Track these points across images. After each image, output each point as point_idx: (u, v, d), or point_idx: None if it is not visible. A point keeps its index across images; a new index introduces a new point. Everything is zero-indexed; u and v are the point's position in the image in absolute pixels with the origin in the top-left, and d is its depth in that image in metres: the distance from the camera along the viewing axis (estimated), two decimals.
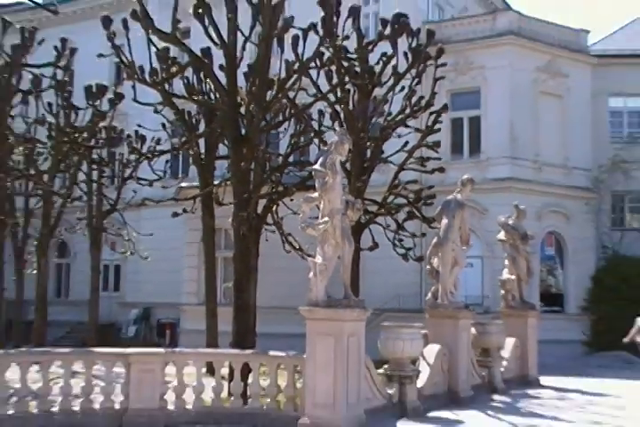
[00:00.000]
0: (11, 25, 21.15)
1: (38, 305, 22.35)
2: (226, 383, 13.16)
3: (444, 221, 16.20)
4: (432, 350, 15.39)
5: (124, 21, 17.87)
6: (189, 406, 12.73)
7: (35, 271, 22.98)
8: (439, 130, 22.00)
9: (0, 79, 20.15)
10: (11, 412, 11.94)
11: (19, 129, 22.09)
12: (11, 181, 21.73)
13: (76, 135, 22.66)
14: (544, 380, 19.65)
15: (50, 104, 22.83)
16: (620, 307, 25.04)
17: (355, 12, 19.56)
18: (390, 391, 13.64)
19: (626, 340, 21.58)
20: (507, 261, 20.14)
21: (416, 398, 14.07)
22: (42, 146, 22.99)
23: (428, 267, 17.04)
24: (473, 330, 17.21)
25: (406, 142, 21.44)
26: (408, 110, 20.57)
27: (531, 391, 18.03)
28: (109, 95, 23.43)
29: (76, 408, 12.38)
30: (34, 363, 12.61)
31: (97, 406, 12.47)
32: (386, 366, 14.15)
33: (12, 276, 22.39)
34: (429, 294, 16.78)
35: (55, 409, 12.28)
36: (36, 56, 20.91)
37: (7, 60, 20.27)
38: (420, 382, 14.48)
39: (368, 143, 20.14)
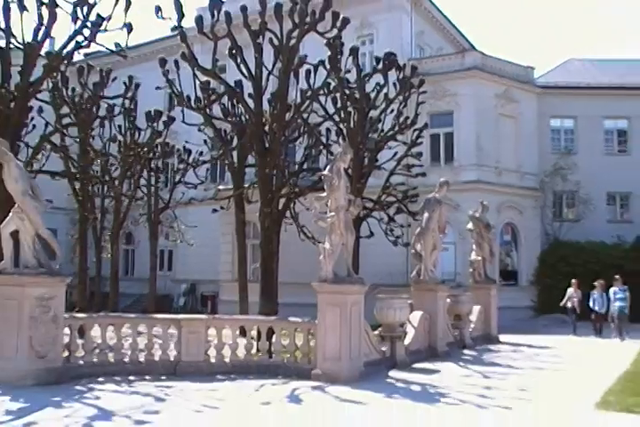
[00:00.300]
0: (92, 68, 21.11)
1: (112, 281, 22.29)
2: (255, 342, 13.05)
3: (426, 214, 16.16)
4: (416, 316, 15.36)
5: (176, 61, 17.93)
6: (227, 360, 12.64)
7: (109, 255, 22.98)
8: (421, 143, 22.06)
9: (84, 109, 20.10)
10: (95, 360, 12.10)
11: (97, 146, 22.04)
12: (91, 185, 21.71)
13: (139, 150, 22.61)
14: (502, 337, 19.61)
15: (119, 126, 22.77)
16: (559, 280, 24.95)
17: (354, 52, 19.47)
18: (384, 348, 13.64)
19: (561, 304, 22.13)
20: (474, 246, 20.10)
21: (404, 353, 14.05)
22: (113, 158, 22.96)
23: (412, 251, 17.01)
24: (448, 300, 17.15)
25: (395, 153, 21.36)
26: (397, 128, 20.50)
27: (492, 347, 18.08)
28: (164, 118, 23.34)
29: (142, 359, 12.40)
30: (110, 324, 12.66)
31: (157, 358, 12.43)
32: (380, 329, 14.15)
33: (92, 258, 22.38)
34: (414, 272, 16.78)
35: (126, 359, 12.34)
36: (110, 90, 20.87)
37: (90, 94, 20.23)
38: (406, 341, 14.47)
39: (365, 154, 20.05)
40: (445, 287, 16.89)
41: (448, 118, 28.09)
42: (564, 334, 21.24)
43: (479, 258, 19.84)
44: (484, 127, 27.56)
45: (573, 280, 21.92)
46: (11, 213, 11.46)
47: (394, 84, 20.45)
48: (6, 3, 15.65)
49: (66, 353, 11.72)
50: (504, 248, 28.28)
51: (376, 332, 13.84)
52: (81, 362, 11.92)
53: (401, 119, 20.56)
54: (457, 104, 27.90)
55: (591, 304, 21.31)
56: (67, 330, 11.81)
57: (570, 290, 21.52)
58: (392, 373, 12.91)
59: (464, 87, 27.83)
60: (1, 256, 11.79)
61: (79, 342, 12.08)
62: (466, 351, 16.76)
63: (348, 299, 11.97)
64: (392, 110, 20.43)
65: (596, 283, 21.37)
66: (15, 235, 11.51)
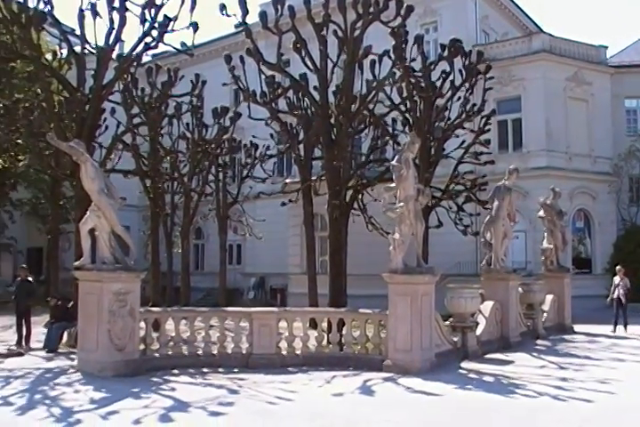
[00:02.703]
0: (160, 68, 21.54)
1: (183, 275, 22.75)
2: (325, 334, 13.10)
3: (495, 203, 15.97)
4: (487, 306, 15.13)
5: (241, 57, 18.10)
6: (298, 352, 12.74)
7: (179, 250, 23.42)
8: (489, 130, 21.68)
9: (154, 108, 20.53)
10: (170, 353, 12.41)
11: (166, 144, 22.47)
12: (161, 182, 22.17)
13: (207, 146, 22.95)
14: (577, 327, 19.10)
15: (187, 124, 23.15)
16: (637, 267, 23.91)
17: (419, 40, 19.21)
18: (455, 339, 13.52)
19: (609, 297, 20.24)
20: (546, 234, 19.72)
21: (475, 343, 13.88)
22: (182, 155, 23.38)
23: (482, 240, 16.82)
24: (520, 289, 16.85)
25: (463, 141, 21.01)
26: (464, 115, 20.14)
27: (566, 337, 17.67)
28: (230, 114, 23.61)
29: (214, 352, 12.62)
30: (183, 318, 12.94)
31: (229, 350, 12.63)
32: (451, 319, 14.02)
33: (164, 253, 22.87)
34: (484, 262, 16.58)
35: (200, 352, 12.57)
36: (177, 88, 21.23)
37: (159, 93, 20.64)
38: (478, 331, 14.29)
39: (432, 143, 19.77)
40: (517, 276, 16.60)
41: (516, 104, 27.58)
42: None
43: (551, 246, 19.43)
44: (553, 112, 26.94)
45: (618, 267, 20.47)
46: (88, 212, 11.86)
47: (460, 71, 20.10)
48: (81, 11, 16.15)
49: (142, 346, 12.07)
50: (577, 235, 27.64)
51: (447, 322, 13.71)
52: (156, 355, 12.25)
53: (468, 107, 20.21)
54: (525, 89, 27.36)
55: None
56: (142, 324, 12.15)
57: (615, 279, 20.13)
58: (464, 364, 12.78)
59: (532, 71, 27.25)
60: (80, 253, 12.24)
61: (154, 335, 12.42)
62: (539, 342, 16.42)
63: (419, 289, 11.91)
64: (459, 98, 20.08)
65: None
66: (92, 232, 11.91)
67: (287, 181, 27.07)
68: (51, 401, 9.34)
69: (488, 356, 13.81)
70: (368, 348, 12.64)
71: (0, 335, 17.55)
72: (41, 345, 14.91)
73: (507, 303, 15.69)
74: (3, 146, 20.04)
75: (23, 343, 15.33)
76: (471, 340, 13.74)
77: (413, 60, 18.74)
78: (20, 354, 14.26)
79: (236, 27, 18.62)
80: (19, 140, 18.92)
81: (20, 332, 15.55)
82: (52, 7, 16.47)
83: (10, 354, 14.12)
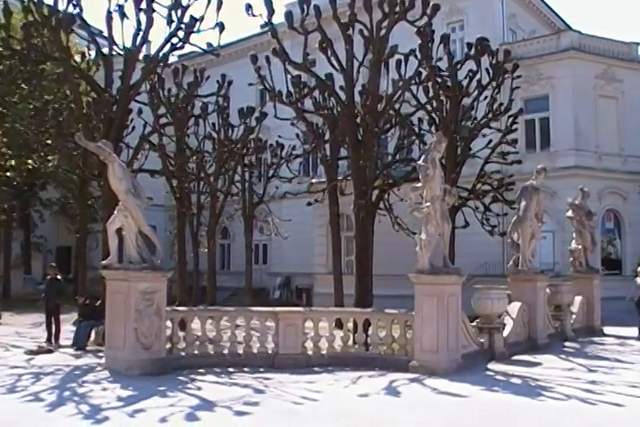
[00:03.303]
0: (186, 68, 21.66)
1: (209, 274, 22.85)
2: (351, 334, 13.10)
3: (523, 203, 15.84)
4: (514, 307, 15.03)
5: (267, 57, 18.16)
6: (324, 352, 12.74)
7: (206, 250, 23.54)
8: (516, 129, 21.41)
9: (180, 108, 20.67)
10: (196, 352, 12.48)
11: (192, 144, 22.61)
12: (188, 182, 22.31)
13: (233, 146, 23.03)
14: (607, 330, 18.85)
15: (213, 124, 23.23)
16: None
17: (445, 39, 19.10)
18: (482, 340, 13.45)
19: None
20: (574, 234, 19.46)
21: (502, 345, 13.79)
22: (208, 155, 23.50)
23: (509, 240, 16.73)
24: (547, 290, 16.69)
25: (490, 140, 20.83)
26: (490, 115, 19.97)
27: (596, 339, 17.41)
28: (256, 114, 23.68)
29: (240, 351, 12.66)
30: (209, 317, 13.02)
31: (255, 350, 12.66)
32: (478, 320, 13.94)
33: (190, 253, 23.01)
34: (511, 262, 16.47)
35: (225, 352, 12.63)
36: (203, 89, 21.34)
37: (185, 93, 20.77)
38: (505, 333, 14.18)
39: (459, 142, 19.65)
40: (545, 277, 16.45)
41: (543, 103, 27.26)
42: None
43: (580, 247, 19.20)
44: (582, 110, 26.56)
45: (639, 269, 20.06)
46: (115, 211, 11.98)
47: (486, 70, 19.93)
48: (109, 12, 16.34)
49: (168, 345, 12.15)
50: (606, 236, 27.17)
51: (473, 323, 13.64)
52: (182, 354, 12.34)
53: (495, 106, 20.05)
54: (553, 88, 27.04)
55: None
56: (168, 323, 12.25)
57: (637, 279, 19.62)
58: (490, 365, 12.70)
59: (560, 70, 26.90)
60: (108, 252, 12.37)
61: (180, 334, 12.51)
62: (567, 344, 16.23)
63: (446, 290, 11.87)
64: (485, 97, 19.92)
65: None
66: (120, 232, 12.04)
67: (313, 180, 27.09)
68: (79, 398, 9.46)
69: (515, 357, 13.70)
70: (394, 348, 12.62)
71: (30, 332, 17.82)
72: (70, 343, 15.11)
73: (534, 304, 15.55)
74: (33, 146, 20.34)
75: (53, 341, 15.57)
76: (498, 341, 13.65)
77: (440, 59, 18.65)
78: (50, 351, 14.47)
79: (262, 27, 18.70)
80: (48, 141, 19.17)
81: (49, 329, 15.81)
82: (81, 9, 16.68)
83: (40, 351, 14.34)
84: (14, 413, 8.72)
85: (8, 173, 23.34)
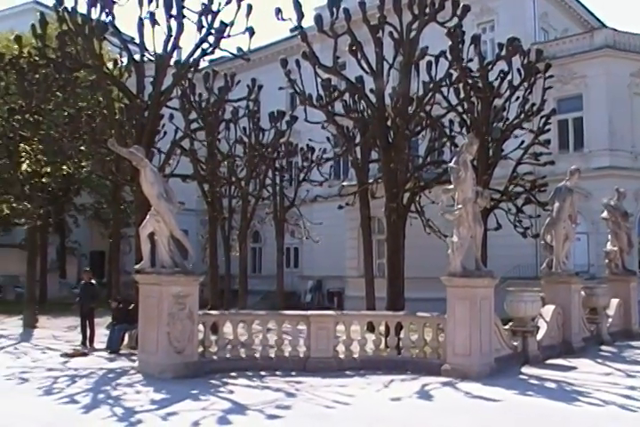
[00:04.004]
0: (217, 73, 21.83)
1: (240, 278, 22.98)
2: (383, 338, 13.06)
3: (556, 204, 15.64)
4: (548, 310, 14.81)
5: (297, 61, 18.25)
6: (355, 355, 12.71)
7: (237, 253, 23.68)
8: (549, 130, 21.18)
9: (211, 113, 20.83)
10: (228, 355, 12.53)
11: (223, 148, 22.78)
12: (219, 187, 22.46)
13: (264, 150, 23.17)
14: None
15: (244, 128, 23.41)
16: None
17: (476, 40, 18.96)
18: (515, 343, 13.27)
19: None
20: (610, 236, 19.08)
21: (536, 348, 13.62)
22: (239, 159, 23.65)
23: (542, 242, 16.51)
24: (582, 293, 16.40)
25: (522, 142, 20.63)
26: (522, 116, 19.78)
27: (633, 343, 16.99)
28: (286, 118, 23.81)
29: (272, 355, 12.69)
30: (241, 321, 13.07)
31: (287, 354, 12.68)
32: (511, 323, 13.78)
33: (222, 257, 23.15)
34: (544, 264, 16.27)
35: (257, 355, 12.68)
36: (234, 93, 21.47)
37: (216, 98, 20.93)
38: (539, 336, 13.99)
39: (490, 144, 19.50)
40: (579, 279, 16.18)
41: (577, 102, 26.97)
42: None
43: (615, 248, 18.85)
44: (616, 109, 26.16)
45: None
46: (148, 216, 12.12)
47: (518, 70, 19.76)
48: (140, 20, 16.57)
49: (200, 349, 12.24)
50: None
51: (506, 326, 13.49)
52: (214, 357, 12.41)
53: (527, 106, 19.86)
54: (586, 87, 26.71)
55: None
56: (201, 326, 12.34)
57: None
58: (524, 369, 12.54)
59: (594, 68, 26.57)
60: (140, 256, 12.52)
61: (212, 338, 12.58)
62: (603, 347, 15.94)
63: (478, 293, 11.78)
64: (517, 98, 19.74)
65: None
66: (152, 236, 12.17)
67: (344, 184, 27.08)
68: (113, 401, 9.60)
69: (549, 361, 13.50)
70: (426, 352, 12.54)
71: (66, 335, 18.12)
72: (104, 346, 15.33)
73: (569, 307, 15.31)
74: (67, 153, 20.67)
75: (87, 344, 15.81)
76: (532, 344, 13.48)
77: (470, 60, 18.53)
78: (85, 354, 14.69)
79: (292, 31, 18.83)
80: (82, 147, 19.47)
81: (84, 333, 16.08)
82: (114, 17, 16.92)
83: (75, 354, 14.59)
84: (51, 415, 8.89)
85: (44, 180, 23.76)
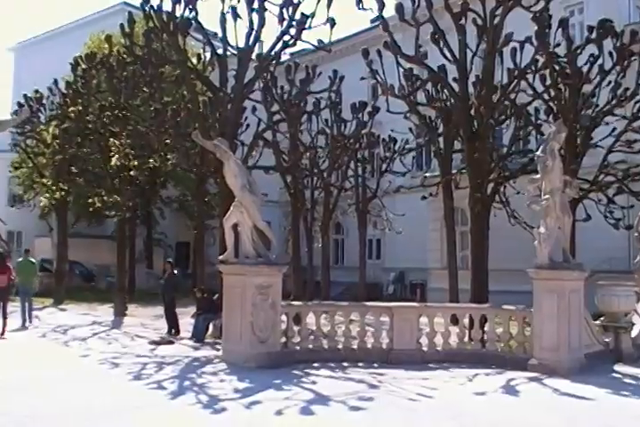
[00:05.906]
0: (298, 65, 21.97)
1: (323, 270, 23.13)
2: (467, 331, 12.85)
3: None
4: None
5: (378, 51, 18.14)
6: (439, 348, 12.59)
7: (320, 245, 23.83)
8: None
9: (293, 105, 20.99)
10: (310, 346, 12.62)
11: (305, 140, 22.93)
12: (301, 178, 22.63)
13: (346, 141, 23.17)
14: None
15: (326, 119, 23.46)
16: None
17: (564, 23, 18.23)
18: (607, 340, 12.77)
19: None
20: None
21: (630, 346, 13.01)
22: (321, 151, 23.75)
23: (635, 234, 15.76)
24: None
25: (614, 129, 19.72)
26: (614, 101, 18.88)
27: None
28: (368, 109, 23.72)
29: (354, 346, 12.71)
30: (324, 312, 13.16)
31: (369, 345, 12.69)
32: (602, 319, 13.27)
33: (304, 248, 23.35)
34: (638, 257, 15.46)
35: (340, 346, 12.72)
36: (315, 85, 21.55)
37: (298, 90, 21.05)
38: (633, 333, 13.33)
39: (579, 132, 18.76)
40: None
41: None
42: None
43: None
44: None
45: None
46: (231, 208, 12.33)
47: (609, 53, 18.89)
48: (223, 14, 16.85)
49: (283, 339, 12.39)
50: None
51: (597, 322, 13.02)
52: (297, 348, 12.53)
53: (619, 91, 18.93)
54: None
55: None
56: (283, 317, 12.48)
57: None
58: (617, 367, 12.07)
59: None
60: (224, 247, 12.76)
61: (295, 328, 12.71)
62: None
63: (566, 286, 11.43)
64: (609, 82, 18.87)
65: None
66: (235, 227, 12.38)
67: (427, 174, 26.73)
68: (198, 388, 9.84)
69: None
70: (512, 346, 12.29)
71: (153, 324, 18.72)
72: (189, 335, 15.75)
73: None
74: (153, 147, 21.32)
75: (173, 332, 16.30)
76: (625, 341, 12.93)
77: (557, 45, 17.86)
78: (171, 342, 15.15)
79: (373, 21, 18.73)
80: (167, 141, 20.03)
81: (169, 322, 16.59)
82: (197, 13, 17.28)
83: (162, 342, 15.07)
84: (141, 399, 9.22)
85: (132, 173, 24.59)
